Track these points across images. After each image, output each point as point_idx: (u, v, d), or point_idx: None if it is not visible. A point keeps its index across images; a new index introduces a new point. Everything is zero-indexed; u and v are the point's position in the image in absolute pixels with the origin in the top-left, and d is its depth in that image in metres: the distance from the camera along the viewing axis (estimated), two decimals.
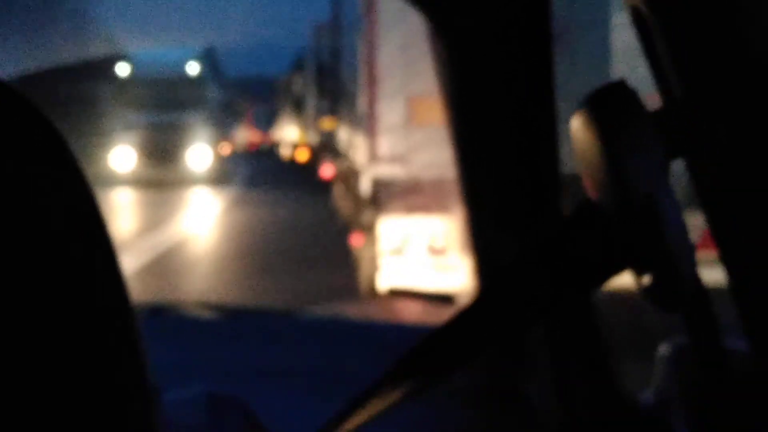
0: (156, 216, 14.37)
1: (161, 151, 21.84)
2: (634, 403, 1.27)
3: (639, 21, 0.58)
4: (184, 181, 20.71)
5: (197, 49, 24.75)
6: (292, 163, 27.79)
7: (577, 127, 0.56)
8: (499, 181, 1.33)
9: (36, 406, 0.45)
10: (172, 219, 13.90)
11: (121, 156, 21.57)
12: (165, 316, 2.15)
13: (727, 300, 0.57)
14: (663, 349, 1.19)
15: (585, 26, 5.40)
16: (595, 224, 0.55)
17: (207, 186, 20.27)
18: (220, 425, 0.90)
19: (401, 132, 7.33)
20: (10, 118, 0.47)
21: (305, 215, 14.49)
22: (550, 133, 1.28)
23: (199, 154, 22.58)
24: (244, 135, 43.81)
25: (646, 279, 0.53)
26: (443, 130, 1.44)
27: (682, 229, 0.51)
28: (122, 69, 22.41)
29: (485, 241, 1.47)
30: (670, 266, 0.51)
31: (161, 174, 20.83)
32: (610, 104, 0.53)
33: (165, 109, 22.60)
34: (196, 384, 0.94)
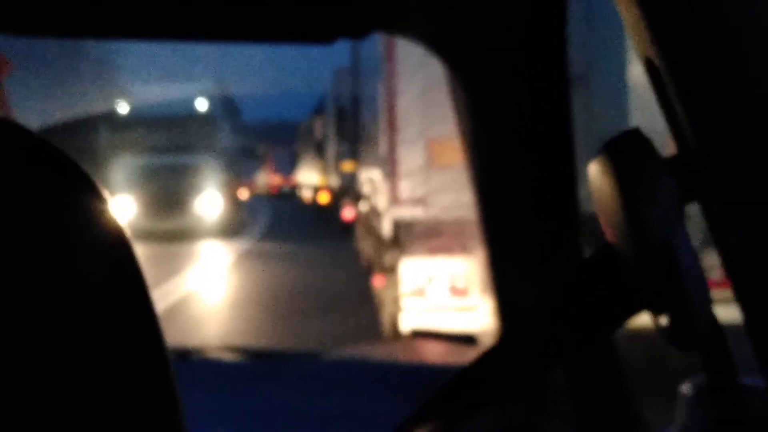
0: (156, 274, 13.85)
1: (165, 200, 18.89)
2: None
3: (652, 70, 0.59)
4: (191, 232, 18.40)
5: (207, 87, 21.81)
6: (313, 205, 27.82)
7: (594, 173, 0.58)
8: (519, 223, 1.34)
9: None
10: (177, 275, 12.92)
11: (120, 205, 19.51)
12: (191, 360, 2.16)
13: (744, 337, 0.58)
14: (684, 388, 1.20)
15: (602, 68, 5.41)
16: (613, 267, 0.57)
17: (218, 236, 18.51)
18: None
19: (422, 174, 7.35)
20: (38, 159, 0.49)
21: (327, 257, 14.48)
22: (568, 174, 1.29)
23: (209, 201, 19.90)
24: (265, 179, 43.92)
25: (663, 320, 0.54)
26: (463, 171, 1.46)
27: (698, 271, 0.52)
28: (122, 107, 19.21)
29: (506, 282, 1.47)
30: (686, 307, 0.52)
31: (165, 225, 18.20)
32: (625, 151, 0.55)
33: (170, 151, 19.71)
34: (223, 428, 0.95)
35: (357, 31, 1.33)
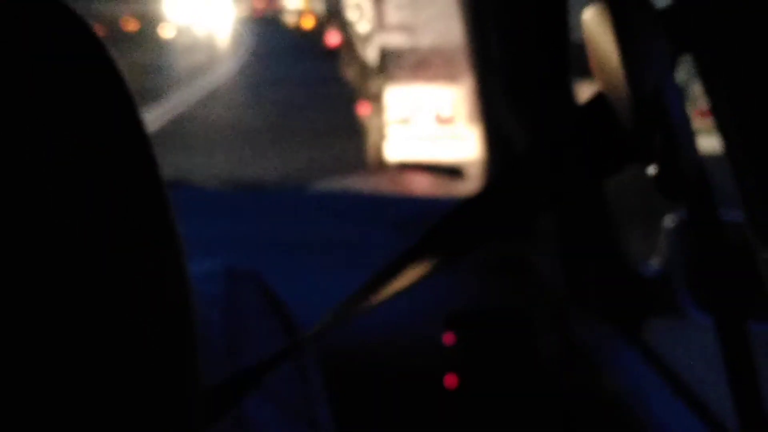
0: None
1: None
2: (639, 272, 1.30)
3: None
4: None
5: None
6: (297, 30, 27.43)
7: (588, 22, 0.58)
8: (509, 51, 1.33)
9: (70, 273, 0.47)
10: None
11: None
12: (181, 190, 2.17)
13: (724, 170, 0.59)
14: (667, 220, 1.22)
15: None
16: (604, 116, 0.58)
17: None
18: (238, 297, 0.92)
19: (409, 0, 7.24)
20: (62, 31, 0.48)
21: (310, 84, 14.39)
22: (559, 4, 1.27)
23: None
24: (248, 2, 43.23)
25: (652, 169, 0.55)
26: None
27: (686, 122, 0.53)
28: None
29: (494, 111, 1.47)
30: (675, 157, 0.53)
31: None
32: (620, 2, 0.55)
33: None
34: (213, 257, 0.96)
35: None
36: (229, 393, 0.74)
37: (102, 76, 0.49)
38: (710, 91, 0.55)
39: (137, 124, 0.50)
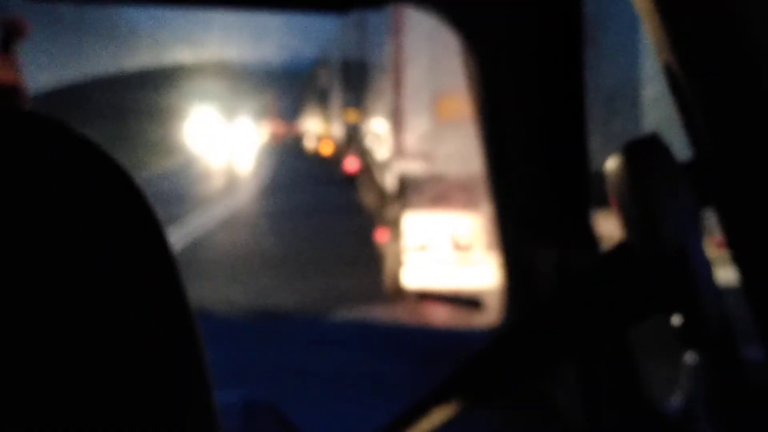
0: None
1: None
2: (659, 408, 1.28)
3: (671, 76, 0.60)
4: None
5: None
6: (316, 156, 27.76)
7: (612, 172, 0.58)
8: (527, 181, 1.34)
9: (99, 414, 0.46)
10: None
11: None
12: (201, 320, 2.16)
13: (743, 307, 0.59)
14: (689, 356, 1.20)
15: (615, 25, 5.38)
16: (627, 266, 0.57)
17: None
18: (256, 430, 0.91)
19: (428, 128, 7.34)
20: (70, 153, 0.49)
21: (329, 213, 14.47)
22: (579, 132, 1.28)
23: None
24: (269, 128, 43.79)
25: (676, 320, 0.55)
26: (470, 127, 1.45)
27: (711, 275, 0.53)
28: None
29: (512, 240, 1.47)
30: (699, 311, 0.53)
31: None
32: (644, 154, 0.55)
33: None
34: (232, 388, 0.96)
35: (372, 1, 1.33)
36: None
37: (133, 211, 0.50)
38: (735, 247, 0.55)
39: (166, 253, 0.50)
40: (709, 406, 1.19)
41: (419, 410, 0.68)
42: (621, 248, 0.59)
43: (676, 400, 1.25)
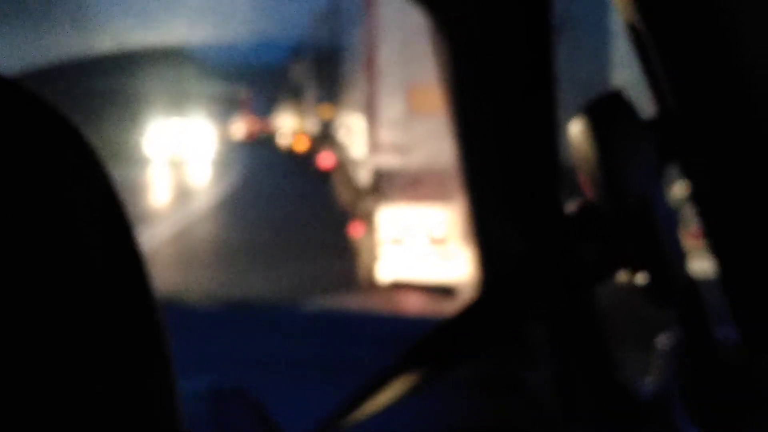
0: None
1: None
2: (633, 392, 1.29)
3: (635, 35, 0.60)
4: None
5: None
6: (290, 152, 27.75)
7: (575, 133, 0.59)
8: (499, 173, 1.34)
9: (62, 404, 0.46)
10: None
11: None
12: (171, 309, 2.16)
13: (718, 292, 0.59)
14: (660, 341, 1.22)
15: (584, 19, 5.42)
16: (592, 225, 0.58)
17: None
18: (224, 416, 0.92)
19: (402, 121, 7.35)
20: (24, 113, 0.48)
21: (303, 208, 14.51)
22: (550, 124, 1.29)
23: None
24: (243, 125, 43.64)
25: (641, 277, 0.56)
26: (444, 119, 1.46)
27: (674, 230, 0.54)
28: None
29: (487, 232, 1.48)
30: (664, 265, 0.54)
31: None
32: (606, 112, 0.56)
33: None
34: (202, 376, 0.96)
35: None
36: None
37: (95, 191, 0.49)
38: (697, 199, 0.56)
39: (130, 240, 0.50)
40: (682, 389, 1.20)
41: (380, 382, 0.68)
42: (585, 208, 0.60)
43: (649, 385, 1.27)
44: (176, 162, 22.78)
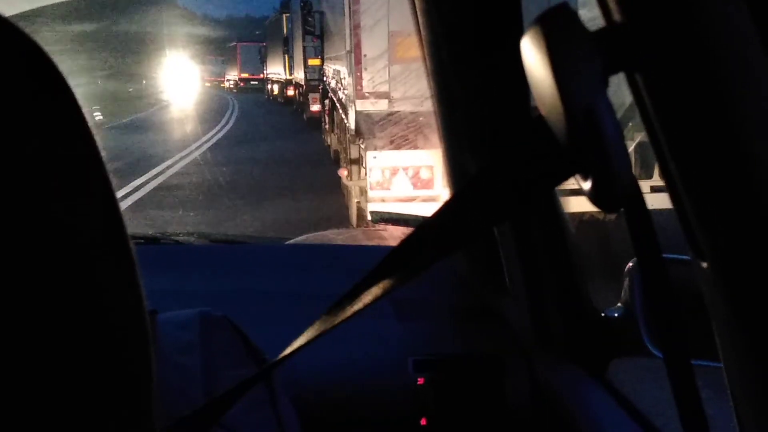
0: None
1: None
2: (603, 314, 1.33)
3: None
4: None
5: None
6: (280, 99, 27.59)
7: (525, 46, 0.60)
8: (473, 117, 1.35)
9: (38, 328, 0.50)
10: None
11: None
12: (161, 245, 2.19)
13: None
14: (629, 266, 1.26)
15: None
16: (544, 136, 0.60)
17: None
18: (212, 341, 0.96)
19: (384, 67, 7.36)
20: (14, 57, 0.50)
21: (293, 149, 14.52)
22: (521, 67, 1.30)
23: None
24: (234, 73, 43.11)
25: (588, 182, 0.58)
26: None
27: (619, 137, 0.56)
28: None
29: (462, 172, 1.50)
30: (608, 170, 0.56)
31: None
32: (552, 25, 0.57)
33: None
34: (191, 307, 1.00)
35: None
36: (202, 419, 0.76)
37: (55, 97, 0.51)
38: (641, 107, 0.58)
39: (89, 137, 0.52)
40: (644, 310, 1.25)
41: (358, 289, 0.71)
42: (537, 120, 0.61)
43: (617, 309, 1.31)
44: (168, 102, 22.71)
